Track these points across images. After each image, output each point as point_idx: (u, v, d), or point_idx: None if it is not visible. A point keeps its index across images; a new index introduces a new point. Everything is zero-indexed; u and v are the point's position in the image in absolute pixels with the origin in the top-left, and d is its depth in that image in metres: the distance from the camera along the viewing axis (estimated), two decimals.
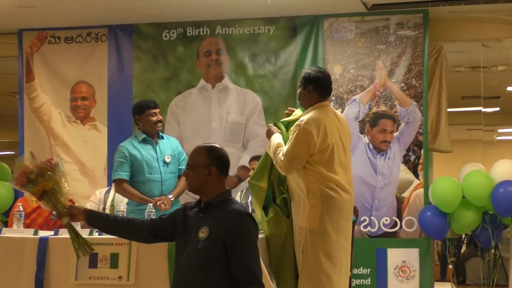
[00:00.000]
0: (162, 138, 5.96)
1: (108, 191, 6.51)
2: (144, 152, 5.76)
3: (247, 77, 7.17)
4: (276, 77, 7.07)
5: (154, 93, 7.25)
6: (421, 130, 6.76)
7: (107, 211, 6.17)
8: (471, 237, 8.71)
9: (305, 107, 5.02)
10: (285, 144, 4.91)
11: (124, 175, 5.65)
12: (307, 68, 5.24)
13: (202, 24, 7.23)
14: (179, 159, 6.00)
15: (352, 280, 5.98)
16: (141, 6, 6.81)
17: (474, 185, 6.63)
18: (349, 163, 5.01)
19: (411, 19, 6.82)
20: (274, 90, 7.05)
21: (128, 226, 3.98)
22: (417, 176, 6.77)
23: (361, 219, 6.72)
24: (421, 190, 6.76)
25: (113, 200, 6.30)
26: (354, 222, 5.68)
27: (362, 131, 6.85)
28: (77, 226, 5.21)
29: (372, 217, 6.78)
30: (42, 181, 3.94)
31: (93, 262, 4.79)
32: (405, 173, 6.78)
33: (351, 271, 5.68)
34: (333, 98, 6.91)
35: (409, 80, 6.81)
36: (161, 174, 5.79)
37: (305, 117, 4.86)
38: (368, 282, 6.75)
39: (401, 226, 6.75)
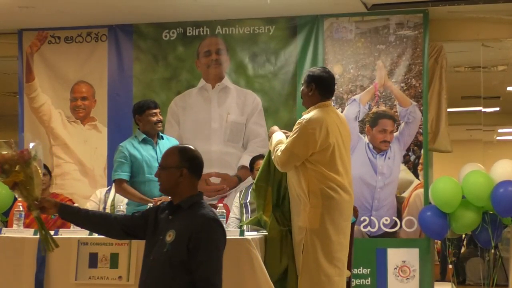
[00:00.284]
0: (162, 138, 5.96)
1: (108, 191, 6.51)
2: (144, 152, 5.76)
3: (247, 77, 7.17)
4: (276, 77, 7.07)
5: (154, 93, 7.25)
6: (421, 130, 6.76)
7: (108, 211, 6.17)
8: (471, 237, 8.70)
9: (307, 106, 5.02)
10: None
11: (124, 175, 5.64)
12: (312, 68, 5.27)
13: (202, 24, 7.23)
14: None
15: (352, 280, 5.99)
16: (141, 6, 6.81)
17: (474, 185, 6.62)
18: (349, 163, 5.01)
19: (411, 19, 6.82)
20: (274, 90, 7.05)
21: (100, 221, 3.93)
22: (417, 176, 6.77)
23: (361, 219, 6.72)
24: (421, 190, 6.76)
25: (113, 200, 6.30)
26: (353, 223, 5.69)
27: (362, 131, 6.86)
28: None
29: (372, 217, 6.78)
30: (14, 173, 3.91)
31: (93, 262, 4.79)
32: (405, 173, 6.78)
33: (351, 271, 5.70)
34: (333, 98, 6.88)
35: (409, 80, 6.81)
36: None
37: (306, 116, 4.86)
38: (368, 282, 6.75)
39: (401, 226, 6.75)
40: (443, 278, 10.23)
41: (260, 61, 7.15)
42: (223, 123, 7.18)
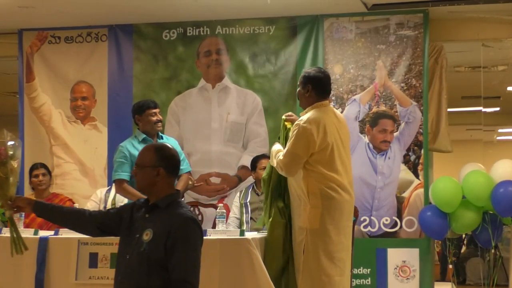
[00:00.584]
0: (162, 138, 5.96)
1: (108, 191, 6.51)
2: None
3: (247, 77, 7.17)
4: (276, 77, 7.07)
5: (154, 93, 7.25)
6: (421, 130, 6.76)
7: None
8: (471, 237, 8.69)
9: (304, 107, 5.03)
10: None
11: (124, 175, 5.64)
12: (307, 68, 5.27)
13: (202, 24, 7.23)
14: None
15: (352, 280, 5.98)
16: (141, 6, 6.81)
17: (474, 185, 6.62)
18: (349, 163, 5.01)
19: (411, 19, 6.82)
20: (274, 90, 7.05)
21: (75, 218, 3.88)
22: (417, 176, 6.77)
23: (361, 219, 6.72)
24: (421, 190, 6.75)
25: (114, 199, 6.30)
26: (354, 222, 5.69)
27: (362, 131, 6.85)
28: None
29: (372, 217, 6.78)
30: None
31: (93, 262, 4.79)
32: (405, 173, 6.78)
33: (351, 271, 5.70)
34: (333, 98, 6.90)
35: (409, 80, 6.81)
36: None
37: (304, 117, 4.87)
38: (368, 282, 6.75)
39: (401, 226, 6.75)
40: (443, 278, 10.22)
41: (260, 61, 7.15)
42: (223, 123, 7.17)
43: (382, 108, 6.84)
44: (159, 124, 5.85)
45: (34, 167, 6.67)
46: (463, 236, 9.66)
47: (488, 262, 7.35)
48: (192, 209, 6.62)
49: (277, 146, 5.04)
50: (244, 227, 5.59)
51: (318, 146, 4.78)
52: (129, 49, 7.39)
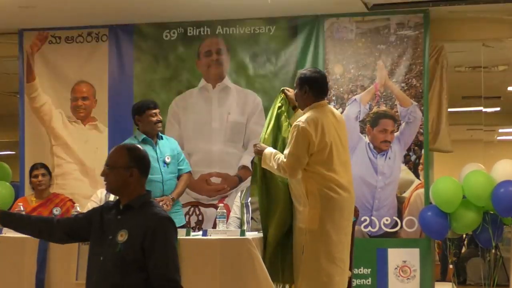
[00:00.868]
0: (162, 138, 5.96)
1: (108, 192, 6.51)
2: None
3: (247, 77, 7.17)
4: (276, 77, 7.07)
5: (155, 93, 7.25)
6: (421, 130, 6.76)
7: None
8: (472, 237, 8.69)
9: (302, 108, 5.05)
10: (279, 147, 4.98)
11: None
12: (303, 69, 5.27)
13: (202, 24, 7.22)
14: (178, 159, 6.01)
15: (353, 280, 5.99)
16: (142, 6, 6.81)
17: (475, 185, 6.62)
18: (348, 162, 5.02)
19: (412, 19, 6.82)
20: (275, 90, 7.00)
21: (42, 226, 3.84)
22: (417, 176, 6.76)
23: (362, 219, 6.71)
24: (422, 190, 6.75)
25: (114, 199, 6.30)
26: (354, 222, 5.69)
27: (362, 131, 6.85)
28: None
29: (372, 217, 6.78)
30: None
31: None
32: (405, 173, 6.78)
33: (351, 271, 5.70)
34: (333, 98, 6.91)
35: (409, 80, 6.81)
36: (162, 174, 5.79)
37: (302, 117, 4.88)
38: (368, 282, 6.75)
39: (401, 226, 6.75)
40: (443, 278, 10.21)
41: (260, 61, 7.15)
42: (223, 123, 7.17)
43: (383, 108, 6.84)
44: (159, 124, 5.85)
45: (34, 167, 6.66)
46: (464, 236, 9.67)
47: (488, 262, 7.35)
48: (192, 209, 6.64)
49: (269, 149, 5.00)
50: (245, 227, 5.59)
51: (316, 146, 4.79)
52: (129, 49, 7.39)
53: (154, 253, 3.48)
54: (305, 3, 6.70)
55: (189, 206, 6.61)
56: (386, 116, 6.83)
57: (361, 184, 6.73)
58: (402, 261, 6.73)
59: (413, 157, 6.77)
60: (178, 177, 5.99)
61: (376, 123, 6.84)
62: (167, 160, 5.85)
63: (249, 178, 6.74)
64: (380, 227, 6.77)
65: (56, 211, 6.35)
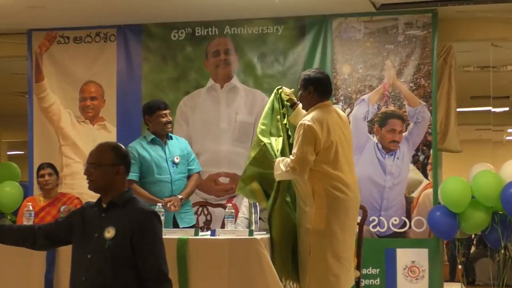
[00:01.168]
0: (171, 138, 5.96)
1: None
2: (153, 152, 5.77)
3: (255, 77, 7.17)
4: (284, 77, 7.06)
5: (163, 93, 7.25)
6: (430, 130, 6.75)
7: None
8: (481, 237, 8.68)
9: (306, 109, 5.08)
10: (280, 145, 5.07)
11: (133, 176, 5.65)
12: (306, 71, 5.31)
13: (210, 24, 7.23)
14: (188, 159, 6.01)
15: (361, 280, 5.98)
16: (150, 6, 6.81)
17: (484, 185, 6.61)
18: (353, 162, 5.04)
19: (420, 19, 6.80)
20: None
21: (24, 235, 3.82)
22: (426, 176, 6.75)
23: (370, 219, 6.70)
24: (430, 190, 6.74)
25: None
26: (363, 222, 5.70)
27: (371, 131, 6.85)
28: None
29: (381, 217, 6.77)
30: None
31: None
32: (414, 173, 6.77)
33: (360, 271, 5.71)
34: (341, 98, 6.90)
35: (418, 80, 6.79)
36: (170, 174, 5.80)
37: (307, 117, 4.91)
38: (377, 282, 6.74)
39: (410, 226, 6.74)
40: (452, 279, 10.19)
41: (268, 61, 7.14)
42: (231, 123, 7.17)
43: (391, 108, 6.83)
44: (169, 125, 5.86)
45: (40, 167, 6.68)
46: (473, 236, 9.64)
47: (497, 263, 7.33)
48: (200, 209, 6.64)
49: (278, 159, 5.03)
50: (253, 227, 5.58)
51: (323, 144, 4.82)
52: (137, 49, 7.39)
53: (143, 247, 3.50)
54: (313, 3, 6.70)
55: (198, 206, 6.61)
56: (395, 116, 6.82)
57: (370, 184, 6.72)
58: (411, 261, 6.72)
59: (421, 157, 6.76)
60: (188, 177, 6.00)
61: (385, 123, 6.83)
62: (176, 160, 5.85)
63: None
64: (388, 227, 6.76)
65: (64, 208, 6.37)
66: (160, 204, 5.42)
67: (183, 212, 5.83)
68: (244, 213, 6.14)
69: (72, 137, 7.49)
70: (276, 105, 5.31)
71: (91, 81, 7.51)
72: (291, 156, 4.85)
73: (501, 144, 14.71)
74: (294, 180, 4.99)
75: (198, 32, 7.27)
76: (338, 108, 5.20)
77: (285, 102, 5.35)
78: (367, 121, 6.85)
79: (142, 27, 7.38)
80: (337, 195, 4.82)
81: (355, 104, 6.90)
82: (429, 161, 6.75)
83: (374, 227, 6.77)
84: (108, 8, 6.90)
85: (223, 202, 6.89)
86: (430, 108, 6.75)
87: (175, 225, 5.75)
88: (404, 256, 6.72)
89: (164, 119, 5.82)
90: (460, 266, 9.35)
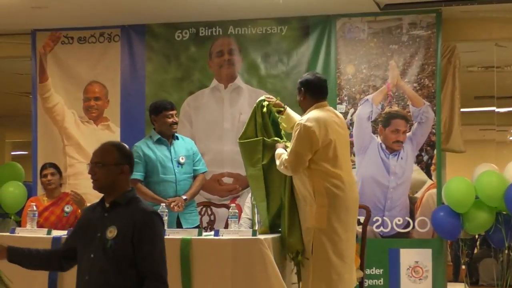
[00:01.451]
0: (177, 138, 5.97)
1: None
2: (158, 152, 5.77)
3: (259, 77, 7.17)
4: (288, 77, 7.06)
5: (167, 93, 7.26)
6: (434, 130, 6.74)
7: None
8: (484, 237, 8.66)
9: (304, 111, 5.17)
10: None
11: (138, 175, 5.65)
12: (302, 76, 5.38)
13: (214, 24, 7.23)
14: (194, 159, 6.02)
15: (365, 280, 5.99)
16: (154, 6, 6.82)
17: (487, 185, 6.60)
18: (350, 162, 5.16)
19: (424, 19, 6.80)
20: (287, 90, 7.03)
21: (49, 259, 3.83)
22: (430, 176, 6.75)
23: (374, 219, 6.70)
24: (434, 190, 6.73)
25: None
26: (366, 222, 5.70)
27: (374, 131, 6.84)
28: None
29: (384, 217, 6.76)
30: None
31: None
32: (417, 173, 6.76)
33: (363, 271, 5.71)
34: (345, 98, 6.90)
35: (422, 80, 6.79)
36: (175, 174, 5.80)
37: (304, 117, 5.01)
38: (380, 282, 6.74)
39: (414, 227, 6.73)
40: (456, 279, 10.19)
41: (272, 61, 7.14)
42: (235, 123, 7.17)
43: (395, 108, 6.83)
44: (175, 126, 5.87)
45: (43, 167, 6.69)
46: (476, 236, 9.63)
47: (501, 263, 7.33)
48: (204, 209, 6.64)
49: (280, 150, 5.08)
50: (256, 227, 5.59)
51: (321, 143, 4.88)
52: (141, 49, 7.40)
53: (142, 247, 3.50)
54: (317, 3, 6.69)
55: (201, 206, 6.62)
56: (398, 116, 6.82)
57: (373, 184, 6.72)
58: (414, 261, 6.71)
59: (425, 157, 6.75)
60: (194, 177, 6.00)
61: (388, 123, 6.83)
62: (181, 161, 5.85)
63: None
64: (392, 228, 6.76)
65: (68, 208, 6.38)
66: (164, 204, 5.42)
67: (187, 212, 5.83)
68: (247, 214, 6.14)
69: (76, 137, 7.50)
70: (259, 120, 5.29)
71: (95, 81, 7.52)
72: (285, 154, 4.94)
73: (505, 144, 14.70)
74: (294, 181, 5.02)
75: (202, 32, 7.27)
76: (334, 110, 5.23)
77: (275, 114, 5.35)
78: (371, 121, 6.85)
79: (146, 27, 7.39)
80: (337, 193, 4.87)
81: (359, 104, 6.90)
82: (433, 161, 6.74)
83: (377, 227, 6.76)
84: (112, 8, 6.91)
85: (227, 202, 6.90)
86: (434, 108, 6.74)
87: (179, 226, 5.75)
88: (408, 256, 6.72)
89: (170, 120, 5.82)
90: (463, 266, 9.33)
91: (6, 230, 6.09)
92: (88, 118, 7.52)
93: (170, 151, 5.83)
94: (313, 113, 4.99)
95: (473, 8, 6.67)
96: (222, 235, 4.84)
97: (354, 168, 6.75)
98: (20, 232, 5.13)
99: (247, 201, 6.32)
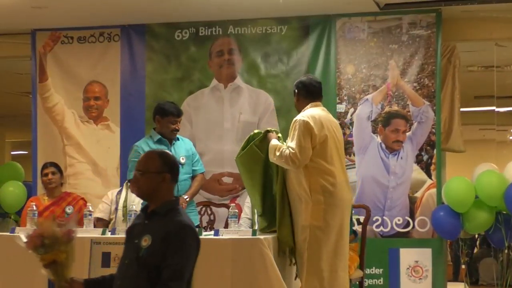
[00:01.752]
0: (177, 139, 5.98)
1: (119, 192, 6.50)
2: None
3: (259, 77, 7.17)
4: (288, 77, 7.06)
5: (167, 93, 7.26)
6: (433, 130, 6.74)
7: (120, 212, 6.18)
8: (484, 237, 8.67)
9: (299, 112, 5.20)
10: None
11: None
12: None
13: (214, 24, 7.23)
14: (193, 160, 6.03)
15: (365, 280, 5.99)
16: (154, 6, 6.82)
17: (487, 185, 6.60)
18: (343, 162, 5.14)
19: (424, 19, 6.80)
20: (287, 90, 7.03)
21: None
22: (429, 176, 6.75)
23: (374, 219, 6.70)
24: (434, 190, 6.73)
25: (125, 200, 6.30)
26: (366, 222, 5.69)
27: (374, 131, 6.84)
28: (90, 224, 5.25)
29: (384, 217, 6.77)
30: (57, 251, 3.66)
31: (106, 262, 4.81)
32: (417, 173, 6.76)
33: (363, 271, 5.72)
34: (345, 97, 6.90)
35: (421, 80, 6.79)
36: None
37: (299, 115, 5.06)
38: (380, 282, 6.74)
39: (413, 226, 6.73)
40: (456, 279, 10.19)
41: (272, 61, 7.14)
42: (235, 123, 7.17)
43: (395, 108, 6.83)
44: (176, 133, 5.87)
45: (44, 166, 6.69)
46: (476, 236, 9.63)
47: (501, 263, 7.33)
48: (204, 209, 6.65)
49: (274, 141, 5.08)
50: (256, 227, 5.59)
51: (318, 138, 4.92)
52: (141, 49, 7.40)
53: (167, 257, 3.49)
54: (317, 3, 6.70)
55: (201, 206, 6.62)
56: (398, 116, 6.82)
57: (373, 184, 6.72)
58: (414, 261, 6.71)
59: (425, 157, 6.76)
60: (193, 178, 6.01)
61: (388, 123, 6.83)
62: (182, 161, 5.86)
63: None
64: (392, 227, 6.76)
65: (69, 209, 6.38)
66: None
67: (188, 212, 5.83)
68: (246, 214, 6.15)
69: (76, 137, 7.50)
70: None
71: (95, 81, 7.52)
72: (290, 148, 4.87)
73: (505, 144, 14.71)
74: (289, 179, 5.01)
75: (202, 32, 7.27)
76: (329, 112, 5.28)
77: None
78: (371, 121, 6.85)
79: (146, 27, 7.39)
80: (332, 191, 4.92)
81: (358, 104, 6.90)
82: (433, 161, 6.74)
83: (377, 227, 6.76)
84: (112, 8, 6.91)
85: (227, 202, 6.90)
86: (434, 108, 6.74)
87: None
88: (408, 256, 6.72)
89: (173, 126, 5.82)
90: (463, 266, 9.33)
91: (6, 230, 6.09)
92: (88, 118, 7.52)
93: (170, 151, 5.82)
94: (309, 111, 5.07)
95: (473, 7, 6.67)
96: (222, 235, 4.84)
97: (354, 168, 6.76)
98: (20, 232, 5.12)
99: (247, 201, 6.32)
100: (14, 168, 8.21)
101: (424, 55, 6.79)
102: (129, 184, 6.09)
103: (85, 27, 7.47)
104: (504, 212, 6.63)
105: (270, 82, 7.13)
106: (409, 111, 6.79)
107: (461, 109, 7.10)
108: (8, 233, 5.23)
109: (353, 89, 6.92)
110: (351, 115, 6.90)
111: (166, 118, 5.82)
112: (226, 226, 5.64)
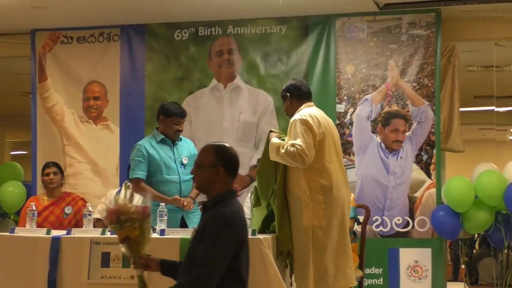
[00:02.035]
0: (180, 140, 5.97)
1: (118, 192, 6.48)
2: (162, 152, 5.75)
3: (259, 76, 7.17)
4: (288, 76, 7.05)
5: (166, 93, 7.26)
6: (433, 130, 6.75)
7: None
8: (484, 237, 8.66)
9: (292, 114, 5.14)
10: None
11: (141, 174, 5.62)
12: None
13: (214, 24, 7.23)
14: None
15: (364, 280, 5.99)
16: (153, 6, 6.82)
17: (487, 185, 6.60)
18: (340, 162, 5.11)
19: (424, 19, 6.80)
20: None
21: None
22: (429, 175, 6.75)
23: (373, 219, 6.70)
24: (434, 190, 6.74)
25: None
26: (366, 221, 5.68)
27: (374, 131, 6.84)
28: (90, 224, 5.25)
29: (384, 217, 6.77)
30: (130, 228, 3.76)
31: (106, 262, 4.80)
32: (417, 173, 6.77)
33: (363, 270, 5.71)
34: (345, 97, 6.91)
35: (421, 80, 6.79)
36: (179, 175, 5.78)
37: (296, 115, 5.03)
38: (380, 282, 6.74)
39: (413, 226, 6.74)
40: (455, 278, 10.19)
41: (272, 61, 7.15)
42: (235, 123, 7.18)
43: (394, 107, 6.83)
44: (179, 134, 5.85)
45: (46, 166, 6.68)
46: (476, 236, 9.63)
47: (501, 262, 7.33)
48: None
49: (276, 139, 5.07)
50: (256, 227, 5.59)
51: (318, 136, 4.91)
52: (141, 49, 7.40)
53: (200, 245, 3.54)
54: (317, 3, 6.70)
55: (201, 206, 6.60)
56: (398, 115, 6.82)
57: (373, 184, 6.72)
58: (414, 261, 6.71)
59: (424, 157, 6.76)
60: (193, 179, 6.00)
61: (388, 123, 6.83)
62: (184, 161, 5.84)
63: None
64: (391, 227, 6.76)
65: (68, 210, 6.38)
66: (164, 204, 5.40)
67: (191, 212, 5.82)
68: (246, 214, 6.15)
69: (76, 137, 7.50)
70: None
71: (95, 81, 7.52)
72: (296, 145, 4.84)
73: (504, 144, 14.71)
74: (289, 180, 5.00)
75: (201, 32, 7.28)
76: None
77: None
78: (370, 121, 6.85)
79: (146, 27, 7.39)
80: (332, 190, 4.91)
81: (358, 104, 6.90)
82: (432, 160, 6.74)
83: (377, 226, 6.77)
84: (111, 8, 6.91)
85: None
86: (434, 107, 6.75)
87: (184, 225, 5.74)
88: (407, 256, 6.72)
89: (177, 127, 5.80)
90: (463, 266, 9.33)
91: (5, 230, 6.09)
92: (88, 118, 7.52)
93: (173, 152, 5.82)
94: (305, 110, 5.05)
95: (473, 7, 6.67)
96: None
97: (354, 167, 6.76)
98: (20, 232, 5.13)
99: (246, 201, 6.33)
100: (14, 168, 8.21)
101: (424, 55, 6.79)
102: (128, 184, 6.07)
103: (85, 27, 7.47)
104: (504, 212, 6.63)
105: (270, 82, 7.14)
106: (408, 111, 6.79)
107: (461, 109, 7.11)
108: (7, 233, 5.22)
109: (353, 89, 6.93)
110: (351, 115, 6.90)
111: (170, 118, 5.80)
112: None
